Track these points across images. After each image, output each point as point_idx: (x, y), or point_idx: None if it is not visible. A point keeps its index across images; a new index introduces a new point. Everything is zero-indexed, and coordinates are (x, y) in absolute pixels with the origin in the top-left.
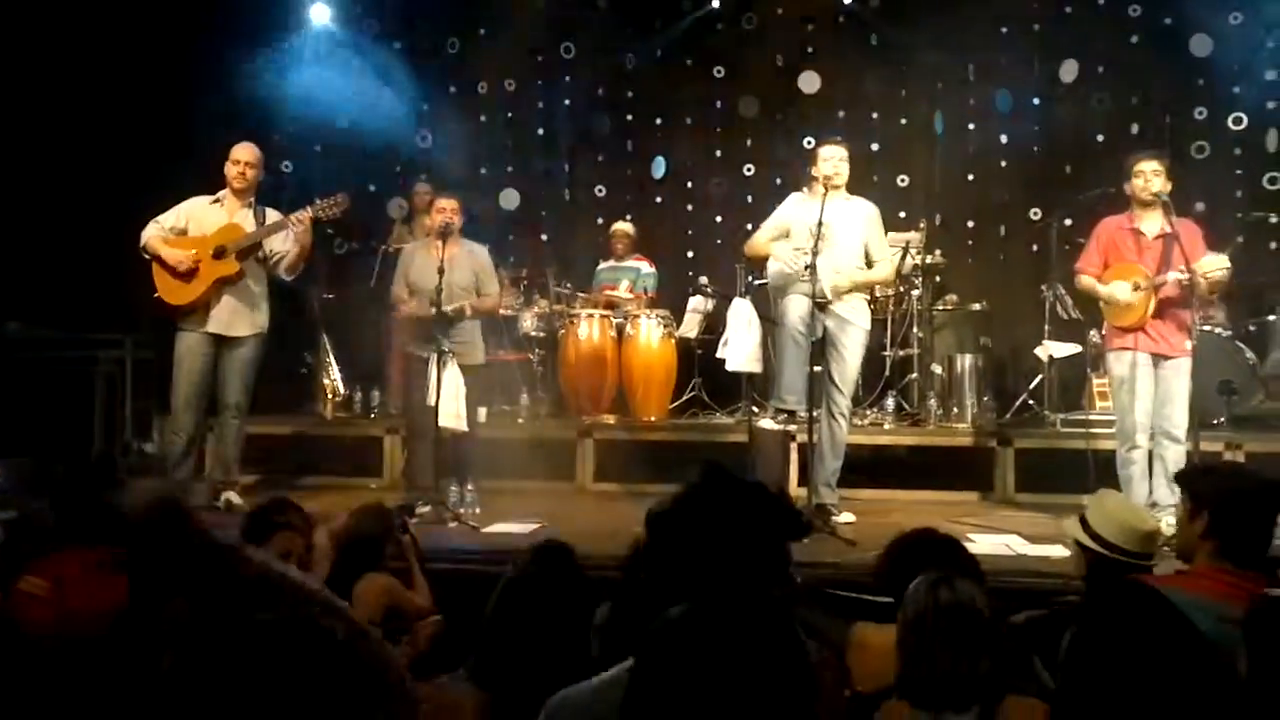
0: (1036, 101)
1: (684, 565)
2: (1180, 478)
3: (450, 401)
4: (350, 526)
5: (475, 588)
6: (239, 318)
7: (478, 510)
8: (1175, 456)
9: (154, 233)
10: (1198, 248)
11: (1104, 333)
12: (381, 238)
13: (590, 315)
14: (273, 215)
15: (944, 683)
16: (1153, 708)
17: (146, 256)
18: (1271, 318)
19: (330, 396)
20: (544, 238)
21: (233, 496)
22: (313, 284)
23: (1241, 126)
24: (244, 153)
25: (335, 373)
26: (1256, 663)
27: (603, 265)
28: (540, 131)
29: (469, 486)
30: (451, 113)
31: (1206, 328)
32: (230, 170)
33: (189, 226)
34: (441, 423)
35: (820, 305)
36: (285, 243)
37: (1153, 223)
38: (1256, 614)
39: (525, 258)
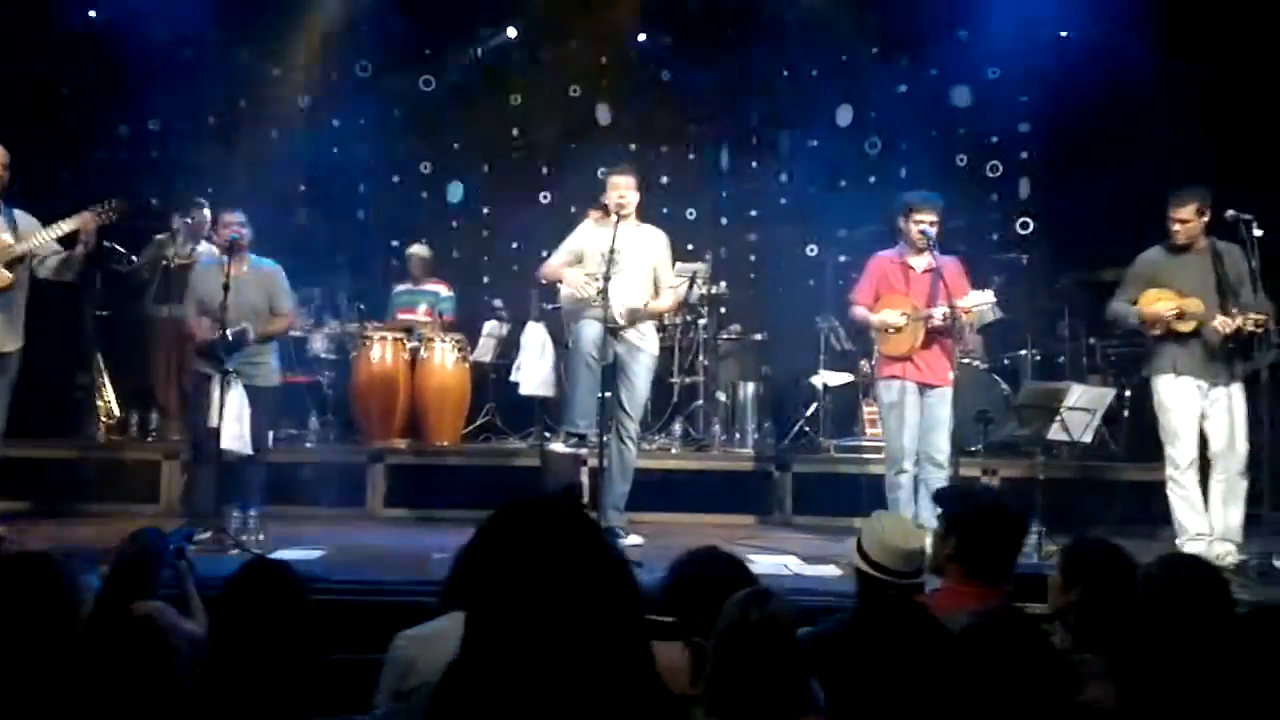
0: (814, 143)
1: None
2: (938, 497)
3: (234, 423)
4: (121, 552)
5: None
6: (7, 333)
7: (260, 537)
8: (938, 481)
9: None
10: (961, 284)
11: (874, 362)
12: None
13: (383, 338)
14: (24, 217)
15: (751, 698)
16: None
17: None
18: (1023, 352)
19: (104, 419)
20: (338, 257)
21: None
22: (87, 300)
23: (998, 174)
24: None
25: (110, 394)
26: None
27: (399, 288)
28: (335, 150)
29: (252, 512)
30: (243, 127)
31: (965, 360)
32: None
33: None
34: (224, 445)
35: (611, 331)
36: (49, 245)
37: (921, 259)
38: (974, 628)
39: (317, 278)
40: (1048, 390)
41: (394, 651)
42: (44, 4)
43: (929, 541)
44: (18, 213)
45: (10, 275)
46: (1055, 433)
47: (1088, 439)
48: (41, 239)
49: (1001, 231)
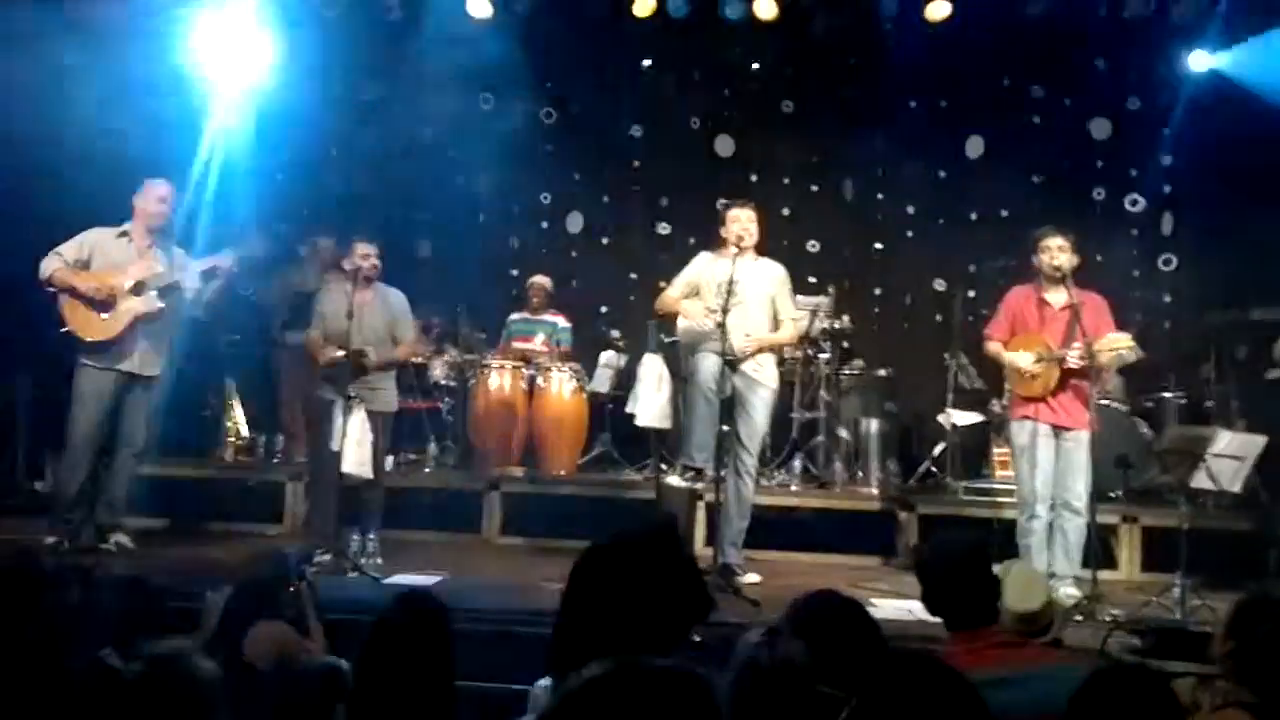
0: (943, 174)
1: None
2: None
3: (355, 448)
4: (245, 572)
5: None
6: (152, 357)
7: (379, 561)
8: (1075, 528)
9: (58, 265)
10: (1102, 322)
11: (1006, 401)
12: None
13: (502, 366)
14: (179, 253)
15: None
16: None
17: (51, 289)
18: (1167, 394)
19: (233, 440)
20: (457, 286)
21: (123, 539)
22: (220, 325)
23: (1138, 208)
24: (169, 191)
25: (239, 416)
26: None
27: (515, 316)
28: (457, 181)
29: (371, 536)
30: (367, 159)
31: (1104, 402)
32: (155, 208)
33: (92, 259)
34: (345, 469)
35: (730, 364)
36: (195, 280)
37: (1060, 294)
38: (1086, 691)
39: (437, 305)
40: (1192, 435)
41: (530, 701)
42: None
43: (1067, 593)
44: (176, 249)
45: (161, 304)
46: (1200, 481)
47: (1236, 488)
48: (189, 273)
49: (1143, 268)
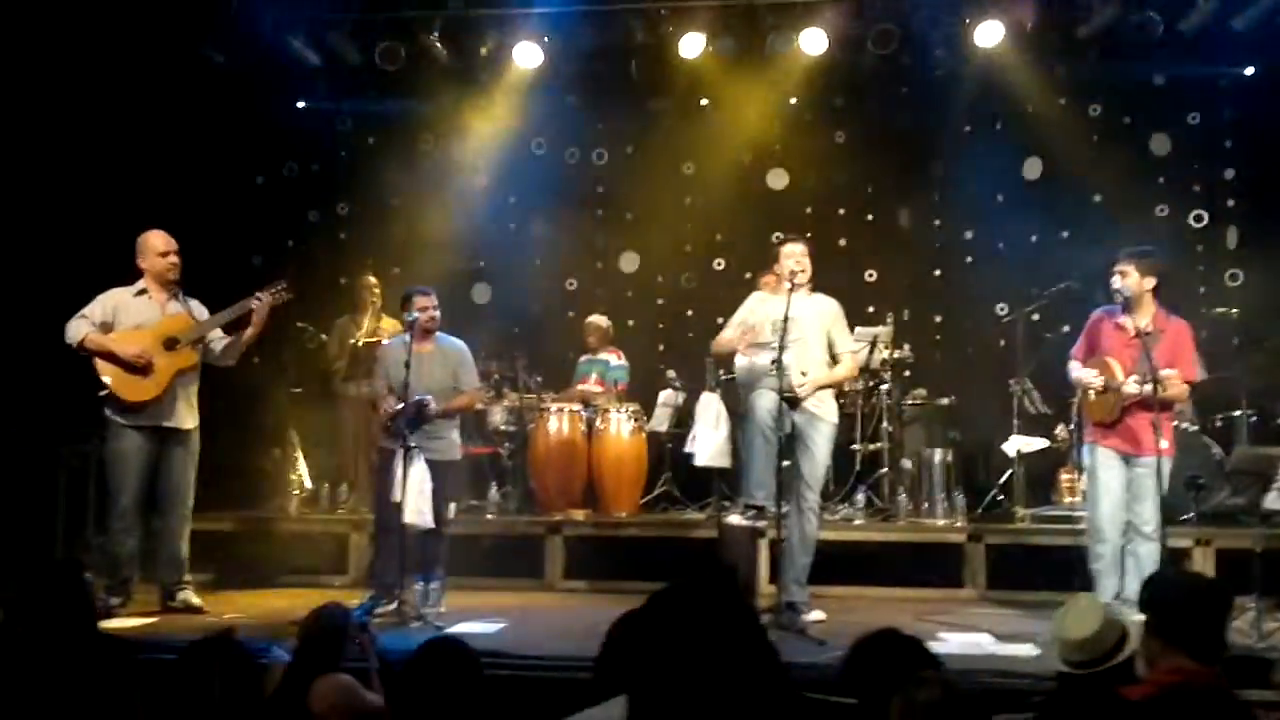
0: (1000, 198)
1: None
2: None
3: (415, 497)
4: (308, 625)
5: None
6: (188, 410)
7: (442, 609)
8: (1147, 552)
9: (88, 329)
10: (1179, 353)
11: (1072, 426)
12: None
13: (560, 409)
14: (196, 303)
15: None
16: None
17: (83, 354)
18: (1237, 413)
19: (297, 492)
20: (515, 330)
21: (190, 596)
22: (280, 377)
23: (1202, 224)
24: (172, 243)
25: (302, 467)
26: None
27: (581, 359)
28: (511, 226)
29: (434, 585)
30: (424, 206)
31: (1174, 423)
32: (161, 263)
33: (115, 319)
34: (406, 519)
35: (788, 400)
36: (219, 330)
37: (1131, 319)
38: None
39: (496, 351)
40: (1262, 455)
41: None
42: (246, 99)
43: (1137, 617)
44: (193, 301)
45: (196, 355)
46: (1272, 501)
47: None
48: (213, 324)
49: (1209, 285)
